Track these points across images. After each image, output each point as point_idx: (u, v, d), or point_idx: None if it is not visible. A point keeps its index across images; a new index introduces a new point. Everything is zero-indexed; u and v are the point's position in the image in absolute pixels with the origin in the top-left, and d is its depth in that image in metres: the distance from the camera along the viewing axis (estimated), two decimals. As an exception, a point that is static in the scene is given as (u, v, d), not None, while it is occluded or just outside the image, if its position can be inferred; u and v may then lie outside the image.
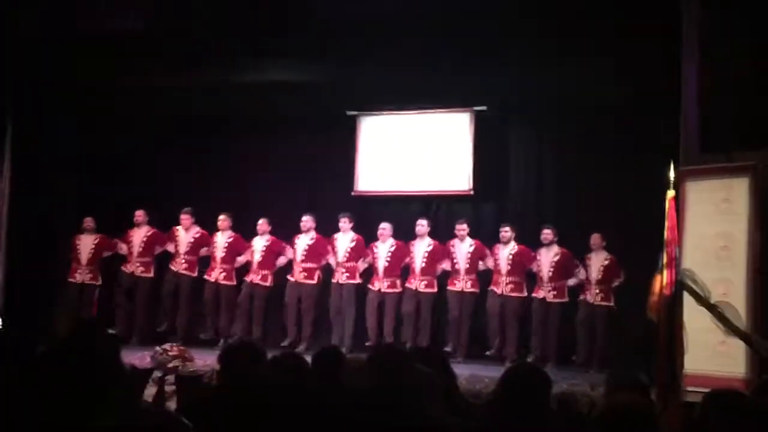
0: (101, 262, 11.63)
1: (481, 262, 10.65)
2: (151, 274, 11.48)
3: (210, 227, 11.54)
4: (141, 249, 11.45)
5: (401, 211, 11.94)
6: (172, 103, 11.83)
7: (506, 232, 10.49)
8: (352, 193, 12.00)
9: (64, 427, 3.03)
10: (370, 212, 11.80)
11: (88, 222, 11.57)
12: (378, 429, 3.30)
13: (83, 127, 12.17)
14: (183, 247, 11.38)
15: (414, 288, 10.65)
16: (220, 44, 10.42)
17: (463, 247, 10.64)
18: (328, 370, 4.44)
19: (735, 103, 8.07)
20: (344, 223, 10.99)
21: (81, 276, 11.48)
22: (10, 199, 11.52)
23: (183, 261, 11.34)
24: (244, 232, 11.47)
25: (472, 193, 11.51)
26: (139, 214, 11.53)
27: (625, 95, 10.31)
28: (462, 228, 10.69)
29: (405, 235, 11.05)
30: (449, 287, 10.61)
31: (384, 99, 11.74)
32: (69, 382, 3.21)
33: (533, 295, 10.40)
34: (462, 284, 10.52)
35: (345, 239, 10.98)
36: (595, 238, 10.29)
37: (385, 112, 12.05)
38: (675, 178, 6.80)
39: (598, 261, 10.26)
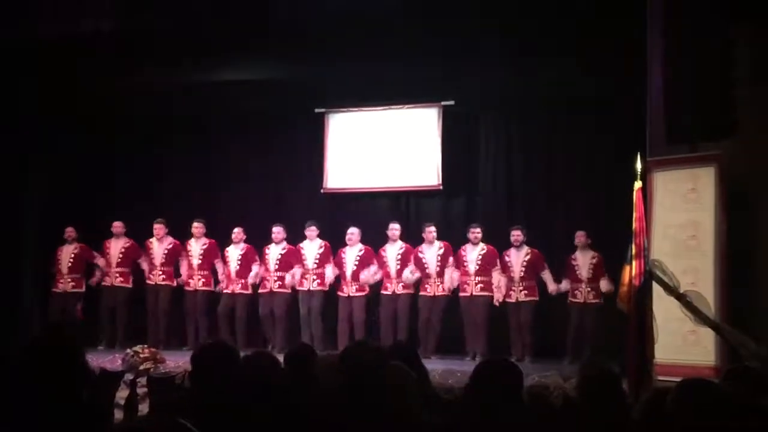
0: (83, 270, 11.47)
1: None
2: (130, 285, 11.39)
3: (179, 232, 11.45)
4: (119, 259, 11.35)
5: (370, 207, 11.95)
6: (135, 104, 11.76)
7: (477, 233, 10.43)
8: (321, 191, 11.98)
9: (33, 427, 3.01)
10: (339, 209, 11.80)
11: (70, 232, 11.44)
12: (353, 426, 3.30)
13: (49, 130, 12.03)
14: (158, 259, 11.29)
15: (391, 292, 10.61)
16: (185, 44, 10.32)
17: (432, 251, 10.59)
18: (301, 368, 4.44)
19: (700, 95, 8.12)
20: (311, 231, 10.93)
21: (63, 285, 11.35)
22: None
23: (160, 272, 11.27)
24: (212, 234, 11.39)
25: (440, 187, 11.53)
26: (117, 225, 11.42)
27: (591, 89, 10.36)
28: (431, 231, 10.62)
29: (375, 232, 11.02)
30: (421, 292, 10.57)
31: (351, 96, 11.73)
32: (34, 383, 3.19)
33: (506, 299, 10.35)
34: (433, 288, 10.49)
35: (313, 246, 10.91)
36: (580, 236, 10.20)
37: (353, 109, 12.03)
38: (642, 169, 6.86)
39: (585, 259, 10.17)
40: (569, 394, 7.45)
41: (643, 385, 6.16)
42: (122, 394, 8.84)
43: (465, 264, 10.40)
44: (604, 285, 9.93)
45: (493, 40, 9.83)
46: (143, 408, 8.74)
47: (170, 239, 11.36)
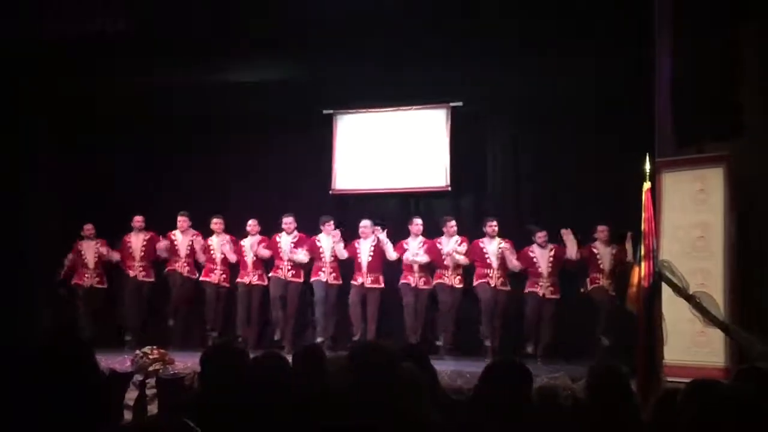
0: (105, 265, 11.57)
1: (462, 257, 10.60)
2: (152, 279, 11.47)
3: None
4: (142, 253, 11.41)
5: (379, 208, 11.94)
6: (146, 105, 11.76)
7: (494, 226, 10.45)
8: (330, 192, 11.98)
9: (41, 428, 3.02)
10: (348, 210, 11.79)
11: (88, 229, 11.51)
12: (363, 427, 3.30)
13: (59, 129, 12.05)
14: (183, 251, 11.38)
15: (413, 285, 10.62)
16: (195, 45, 10.35)
17: (450, 244, 10.58)
18: (310, 368, 4.44)
19: (708, 95, 8.12)
20: (328, 225, 10.94)
21: (89, 280, 11.43)
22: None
23: (185, 264, 11.36)
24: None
25: (449, 189, 11.51)
26: (138, 220, 11.48)
27: (599, 89, 10.35)
28: (451, 225, 10.62)
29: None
30: (437, 280, 10.58)
31: (360, 97, 11.72)
32: (44, 384, 3.20)
33: (529, 290, 10.39)
34: (450, 280, 10.51)
35: (328, 240, 10.91)
36: (602, 231, 10.19)
37: (361, 110, 12.03)
38: (651, 170, 6.86)
39: (606, 252, 10.19)
40: (578, 395, 7.44)
41: (652, 386, 6.16)
42: (131, 395, 8.87)
43: (486, 257, 10.42)
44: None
45: (501, 40, 9.83)
46: (152, 409, 8.76)
47: (193, 231, 11.45)
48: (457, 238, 10.60)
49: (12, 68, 10.88)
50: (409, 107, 11.80)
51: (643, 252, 6.57)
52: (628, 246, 9.64)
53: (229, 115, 12.04)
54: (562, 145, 11.14)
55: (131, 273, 11.40)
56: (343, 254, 10.81)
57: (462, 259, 10.50)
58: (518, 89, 11.05)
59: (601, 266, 10.16)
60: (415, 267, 10.60)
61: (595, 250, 10.25)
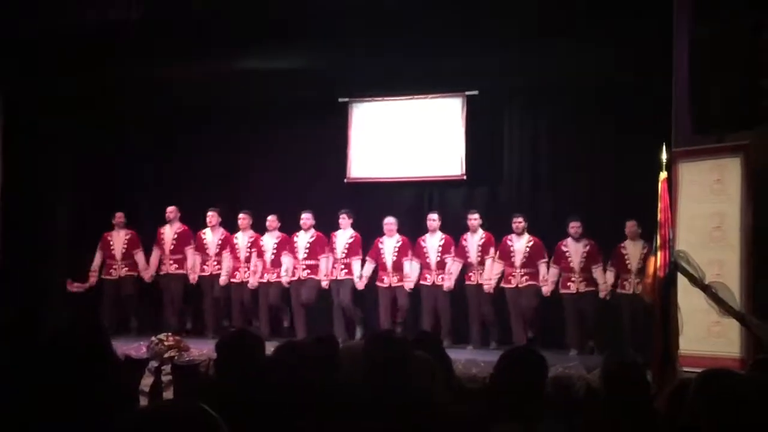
0: (133, 256, 11.58)
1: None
2: (183, 270, 11.45)
3: (201, 221, 11.53)
4: (173, 246, 11.44)
5: (394, 197, 11.95)
6: (159, 95, 11.81)
7: (519, 223, 10.38)
8: (345, 180, 11.98)
9: (58, 413, 3.04)
10: (363, 199, 11.79)
11: (119, 217, 11.57)
12: (377, 416, 3.31)
13: (78, 120, 12.09)
14: (213, 249, 11.36)
15: (431, 283, 10.60)
16: (208, 34, 10.35)
17: (474, 239, 10.57)
18: (324, 357, 4.45)
19: (726, 84, 8.06)
20: (344, 219, 10.95)
21: (116, 271, 11.50)
22: (3, 194, 11.46)
23: (215, 262, 11.35)
24: (233, 224, 11.46)
25: (464, 178, 11.49)
26: (171, 210, 11.49)
27: (616, 78, 10.30)
28: (474, 218, 10.60)
29: (399, 222, 11.02)
30: (466, 282, 10.55)
31: (376, 85, 11.70)
32: (60, 370, 3.22)
33: (562, 291, 10.25)
34: (476, 276, 10.48)
35: (344, 236, 10.94)
36: (631, 226, 9.93)
37: (376, 99, 12.01)
38: (667, 159, 6.83)
39: (636, 250, 9.94)
40: (592, 385, 7.45)
41: (667, 376, 6.15)
42: (147, 382, 8.93)
43: (511, 255, 10.36)
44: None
45: (516, 28, 9.78)
46: (168, 395, 8.82)
47: (221, 229, 11.44)
48: (481, 233, 10.56)
49: (24, 61, 10.91)
50: (425, 96, 11.78)
51: (659, 242, 6.56)
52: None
53: (244, 103, 12.07)
54: (578, 134, 11.11)
55: (163, 268, 11.44)
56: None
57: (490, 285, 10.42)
58: (534, 79, 11.00)
59: (629, 266, 9.94)
60: (433, 264, 10.57)
61: (623, 250, 10.08)
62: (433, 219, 10.74)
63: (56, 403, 3.09)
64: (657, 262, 6.54)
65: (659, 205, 6.64)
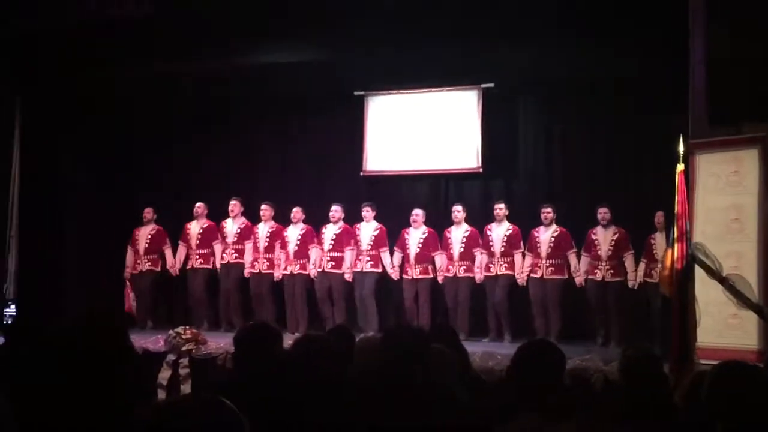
0: (159, 251, 11.60)
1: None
2: (210, 266, 11.45)
3: (219, 213, 11.57)
4: (198, 241, 11.45)
5: (410, 190, 11.96)
6: (175, 90, 11.86)
7: (548, 213, 10.36)
8: (361, 174, 11.99)
9: (78, 406, 3.06)
10: (379, 192, 11.79)
11: (148, 212, 11.60)
12: (395, 408, 3.32)
13: (91, 114, 12.13)
14: (231, 237, 11.37)
15: (453, 274, 10.60)
16: (224, 27, 10.36)
17: (500, 230, 10.55)
18: (341, 350, 4.46)
19: (743, 75, 8.03)
20: (367, 212, 10.94)
21: (140, 266, 11.55)
22: (21, 185, 11.53)
23: (233, 251, 11.35)
24: (253, 218, 11.46)
25: (480, 170, 11.48)
26: (199, 206, 11.51)
27: (632, 69, 10.26)
28: (500, 207, 10.58)
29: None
30: (486, 273, 10.53)
31: (391, 78, 11.71)
32: (77, 363, 3.24)
33: (588, 276, 10.22)
34: (497, 268, 10.47)
35: (368, 228, 10.93)
36: (659, 216, 9.81)
37: (392, 92, 12.01)
38: (684, 151, 6.80)
39: (663, 240, 9.76)
40: (609, 377, 7.44)
41: (685, 368, 6.14)
42: (165, 375, 8.97)
43: (537, 246, 10.34)
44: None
45: (532, 21, 9.75)
46: (185, 388, 8.85)
47: (243, 219, 11.45)
48: (507, 224, 10.54)
49: (40, 61, 10.98)
50: (441, 88, 11.76)
51: (676, 234, 6.54)
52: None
53: (261, 98, 12.06)
54: (595, 126, 11.10)
55: (189, 263, 11.46)
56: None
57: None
58: (550, 70, 10.96)
59: (656, 255, 9.78)
60: (456, 256, 10.57)
61: (652, 241, 10.04)
62: (458, 211, 10.71)
63: (75, 398, 3.11)
64: (674, 254, 6.52)
65: (676, 197, 6.62)
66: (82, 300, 11.51)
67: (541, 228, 10.40)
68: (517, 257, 10.43)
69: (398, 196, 11.69)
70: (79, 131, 12.04)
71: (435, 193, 11.87)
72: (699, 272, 6.57)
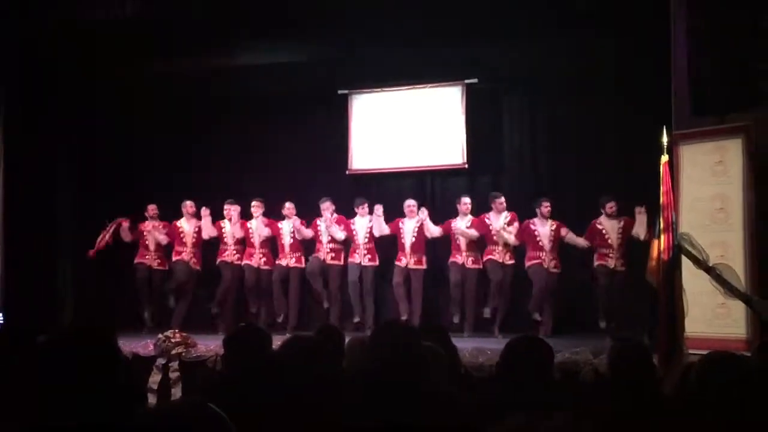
0: (165, 248, 11.60)
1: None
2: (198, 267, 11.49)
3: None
4: (194, 240, 11.45)
5: (396, 187, 11.97)
6: (157, 92, 11.84)
7: (547, 206, 10.36)
8: (347, 172, 11.99)
9: (68, 414, 3.05)
10: (365, 190, 11.78)
11: (152, 209, 11.56)
12: (384, 405, 3.32)
13: (77, 115, 12.08)
14: (230, 238, 11.35)
15: (461, 263, 10.60)
16: (206, 28, 10.33)
17: (500, 221, 10.52)
18: (330, 348, 4.46)
19: (726, 65, 8.06)
20: (362, 208, 10.97)
21: (149, 262, 11.53)
22: (5, 190, 11.44)
23: (234, 251, 11.35)
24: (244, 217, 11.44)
25: (466, 166, 11.50)
26: (190, 205, 11.50)
27: (615, 62, 10.29)
28: (500, 201, 10.55)
29: (399, 211, 11.03)
30: (488, 256, 10.54)
31: (375, 76, 11.72)
32: (67, 369, 3.23)
33: (598, 263, 10.16)
34: (501, 256, 10.48)
35: (363, 222, 10.97)
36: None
37: (376, 90, 12.01)
38: (668, 142, 6.83)
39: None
40: (599, 370, 7.46)
41: (674, 359, 6.17)
42: (155, 379, 8.95)
43: (538, 239, 10.34)
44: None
45: (514, 15, 9.76)
46: (176, 392, 8.83)
47: (240, 220, 11.42)
48: (506, 214, 10.54)
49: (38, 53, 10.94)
50: (424, 85, 11.77)
51: (662, 225, 6.57)
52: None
53: (243, 97, 12.06)
54: (579, 120, 11.10)
55: (183, 260, 11.42)
56: (338, 236, 10.89)
57: (511, 239, 10.40)
58: (533, 65, 11.00)
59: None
60: (463, 245, 10.57)
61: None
62: (466, 203, 10.70)
63: (65, 404, 3.10)
64: (661, 245, 6.55)
65: (661, 188, 6.65)
66: (71, 305, 11.48)
67: (537, 221, 10.40)
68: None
69: (384, 194, 11.67)
70: (67, 131, 11.97)
71: (421, 189, 11.86)
72: (686, 262, 6.60)
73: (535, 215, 10.44)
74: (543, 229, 10.36)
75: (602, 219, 10.20)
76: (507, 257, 10.47)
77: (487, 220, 10.55)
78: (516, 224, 10.45)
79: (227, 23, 10.27)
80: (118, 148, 12.38)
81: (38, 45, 10.81)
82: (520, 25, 9.96)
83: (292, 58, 11.07)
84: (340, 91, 11.99)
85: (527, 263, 10.38)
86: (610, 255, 10.07)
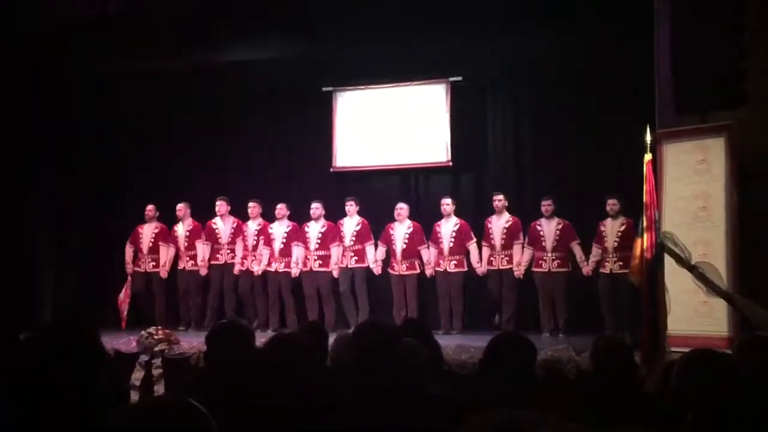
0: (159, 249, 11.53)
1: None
2: (197, 267, 11.39)
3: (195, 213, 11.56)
4: (186, 243, 11.40)
5: (380, 185, 11.97)
6: (143, 87, 11.79)
7: (548, 206, 10.32)
8: (331, 170, 11.97)
9: (50, 411, 3.04)
10: (349, 188, 11.76)
11: (150, 210, 11.52)
12: (366, 403, 3.32)
13: (57, 114, 12.02)
14: (225, 238, 11.29)
15: (444, 269, 10.58)
16: (190, 25, 10.29)
17: (500, 222, 10.54)
18: (314, 346, 4.46)
19: (709, 64, 8.09)
20: (350, 206, 10.93)
21: (144, 265, 11.48)
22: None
23: (228, 251, 11.30)
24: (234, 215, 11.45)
25: (450, 164, 11.50)
26: (180, 208, 11.46)
27: (600, 60, 10.31)
28: (499, 199, 10.54)
29: (384, 210, 11.06)
30: (489, 267, 10.53)
31: (359, 73, 11.71)
32: (49, 367, 3.22)
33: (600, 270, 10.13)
34: (498, 261, 10.47)
35: (351, 223, 10.93)
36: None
37: (360, 87, 12.00)
38: (651, 141, 6.85)
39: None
40: (581, 367, 7.48)
41: (656, 356, 6.18)
42: (138, 376, 8.92)
43: (541, 239, 10.32)
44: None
45: (498, 13, 9.76)
46: (159, 389, 8.81)
47: (232, 218, 11.40)
48: (507, 216, 10.54)
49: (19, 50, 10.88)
50: (409, 83, 11.78)
51: (645, 223, 6.58)
52: None
53: (228, 95, 12.04)
54: (563, 118, 11.10)
55: (180, 264, 11.40)
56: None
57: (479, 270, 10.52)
58: (518, 63, 11.01)
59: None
60: (446, 250, 10.55)
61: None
62: (447, 204, 10.67)
63: (48, 400, 3.09)
64: (644, 243, 6.57)
65: (645, 186, 6.67)
66: (54, 303, 11.43)
67: (543, 220, 10.38)
68: (516, 249, 10.41)
69: (368, 192, 11.68)
70: (43, 128, 11.90)
71: (405, 187, 11.86)
72: (669, 260, 6.62)
73: (540, 216, 10.43)
74: (548, 227, 10.33)
75: (607, 221, 10.10)
76: (504, 262, 10.42)
77: (489, 224, 10.56)
78: (520, 235, 10.46)
79: (210, 20, 10.22)
80: (100, 146, 12.35)
81: (19, 42, 10.74)
82: (505, 23, 9.97)
83: (276, 55, 11.04)
84: (324, 89, 11.98)
85: (533, 268, 10.38)
86: (608, 259, 9.99)
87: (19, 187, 11.54)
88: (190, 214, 11.54)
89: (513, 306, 10.37)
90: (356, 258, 10.82)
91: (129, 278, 11.34)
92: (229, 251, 11.27)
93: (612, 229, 10.02)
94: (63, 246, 11.93)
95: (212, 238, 11.34)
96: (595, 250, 10.16)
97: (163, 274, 11.43)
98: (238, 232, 11.28)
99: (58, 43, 10.68)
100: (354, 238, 10.83)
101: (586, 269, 10.15)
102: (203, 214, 11.48)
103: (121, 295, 10.96)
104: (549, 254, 10.24)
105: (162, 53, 10.87)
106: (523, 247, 10.40)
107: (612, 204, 10.00)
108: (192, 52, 10.96)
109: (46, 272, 11.77)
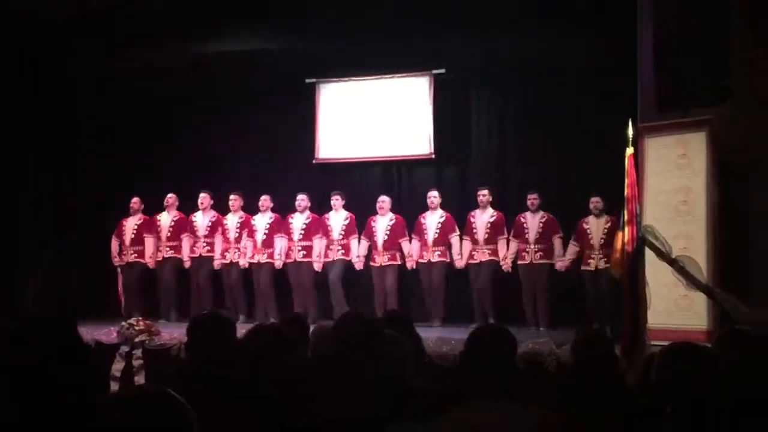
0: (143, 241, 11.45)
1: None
2: (179, 255, 11.32)
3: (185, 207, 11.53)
4: (169, 233, 11.35)
5: (362, 177, 11.98)
6: (121, 84, 11.78)
7: (534, 199, 10.33)
8: (313, 161, 11.96)
9: (28, 401, 3.03)
10: (331, 180, 11.76)
11: (135, 202, 11.47)
12: (347, 395, 3.32)
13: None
14: (202, 231, 11.26)
15: (427, 260, 10.59)
16: (173, 18, 10.24)
17: (484, 217, 10.53)
18: (295, 338, 4.46)
19: (690, 59, 8.12)
20: (336, 200, 10.90)
21: (126, 257, 11.43)
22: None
23: (204, 244, 11.26)
24: (215, 208, 11.42)
25: (432, 156, 11.50)
26: (170, 197, 11.43)
27: (582, 53, 10.32)
28: (484, 194, 10.54)
29: (366, 201, 11.07)
30: (470, 261, 10.53)
31: (342, 66, 11.68)
32: (28, 358, 3.21)
33: (583, 267, 10.09)
34: (480, 255, 10.45)
35: (338, 217, 10.89)
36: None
37: (343, 79, 11.98)
38: (633, 135, 6.87)
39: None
40: (562, 360, 7.51)
41: (637, 350, 6.21)
42: (118, 366, 8.88)
43: (525, 232, 10.33)
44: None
45: (482, 6, 9.77)
46: (139, 380, 8.78)
47: (212, 212, 11.37)
48: (491, 211, 10.52)
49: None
50: (392, 75, 11.78)
51: (626, 217, 6.61)
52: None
53: (210, 87, 11.99)
54: (546, 111, 11.13)
55: (159, 254, 11.36)
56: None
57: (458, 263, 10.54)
58: (501, 56, 10.99)
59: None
60: (430, 241, 10.57)
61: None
62: (434, 196, 10.69)
63: (28, 389, 3.08)
64: (625, 237, 6.59)
65: (626, 180, 6.69)
66: (35, 294, 11.38)
67: (527, 214, 10.39)
68: (501, 243, 10.42)
69: (351, 184, 11.68)
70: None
71: (388, 180, 11.87)
72: (649, 254, 6.65)
73: (524, 209, 10.45)
74: (533, 220, 10.34)
75: (590, 219, 10.13)
76: (486, 255, 10.40)
77: (472, 219, 10.55)
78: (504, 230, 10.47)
79: (194, 13, 10.18)
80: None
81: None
82: (489, 16, 9.97)
83: (258, 47, 11.00)
84: (307, 80, 11.96)
85: (518, 261, 10.39)
86: (592, 256, 10.00)
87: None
88: (177, 207, 11.49)
89: (491, 298, 10.36)
90: (342, 251, 10.78)
91: (119, 271, 11.37)
92: (205, 244, 11.22)
93: (597, 226, 10.03)
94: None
95: (191, 231, 11.31)
96: (572, 248, 10.20)
97: (152, 264, 11.37)
98: (216, 226, 11.24)
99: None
100: (342, 232, 10.81)
101: (560, 264, 10.18)
102: (187, 208, 11.47)
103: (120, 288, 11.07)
104: (532, 246, 10.24)
105: (140, 47, 10.87)
106: (507, 242, 10.41)
107: (595, 202, 10.02)
108: (171, 46, 10.94)
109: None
